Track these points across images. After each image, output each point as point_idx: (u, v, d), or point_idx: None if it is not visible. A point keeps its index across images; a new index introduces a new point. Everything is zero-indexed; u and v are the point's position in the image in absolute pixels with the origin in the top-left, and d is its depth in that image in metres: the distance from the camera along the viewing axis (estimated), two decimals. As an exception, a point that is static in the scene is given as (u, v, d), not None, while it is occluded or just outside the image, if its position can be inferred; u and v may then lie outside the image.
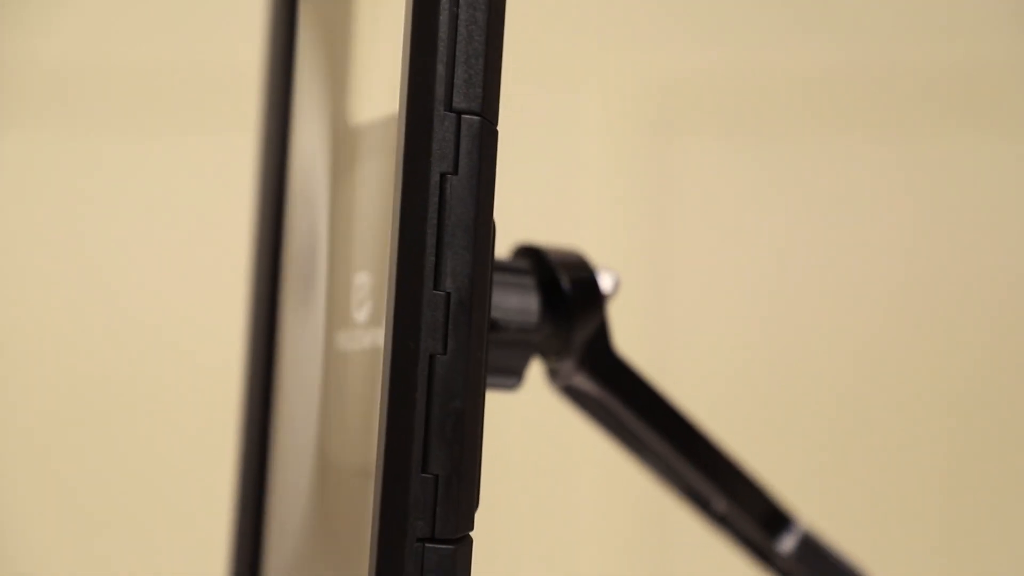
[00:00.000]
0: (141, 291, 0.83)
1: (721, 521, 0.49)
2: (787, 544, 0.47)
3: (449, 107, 0.29)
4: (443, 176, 0.29)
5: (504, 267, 0.39)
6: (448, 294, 0.29)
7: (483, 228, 0.29)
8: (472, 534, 0.30)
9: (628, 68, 0.83)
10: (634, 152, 0.83)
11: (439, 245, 0.29)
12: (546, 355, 0.42)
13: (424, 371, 0.28)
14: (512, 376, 0.39)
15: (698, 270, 0.82)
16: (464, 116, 0.29)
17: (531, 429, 0.80)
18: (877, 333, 0.82)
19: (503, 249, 0.42)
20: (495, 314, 0.37)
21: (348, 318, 0.37)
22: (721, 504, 0.48)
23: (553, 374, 0.43)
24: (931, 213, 0.82)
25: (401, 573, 0.28)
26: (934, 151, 0.82)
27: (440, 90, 0.29)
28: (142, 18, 0.84)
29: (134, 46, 0.83)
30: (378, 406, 0.29)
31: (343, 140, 0.41)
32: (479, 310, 0.29)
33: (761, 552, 0.48)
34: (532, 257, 0.41)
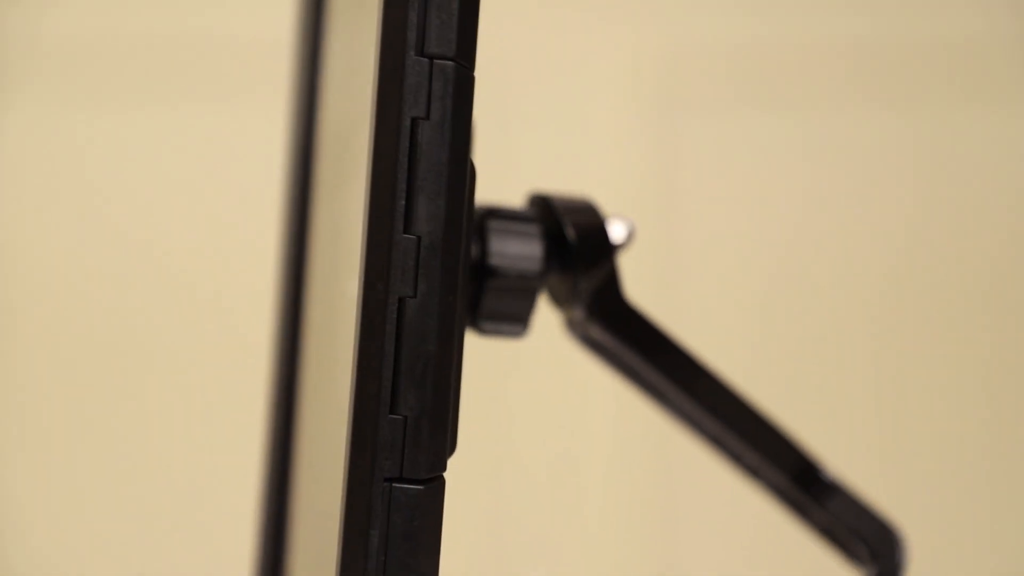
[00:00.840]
0: (161, 268, 0.83)
1: (755, 473, 0.49)
2: (815, 492, 0.47)
3: (421, 52, 0.29)
4: (414, 121, 0.29)
5: (507, 215, 0.39)
6: (418, 238, 0.29)
7: (457, 172, 0.29)
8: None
9: (640, 37, 0.83)
10: (645, 119, 0.82)
11: (410, 189, 0.29)
12: (560, 304, 0.42)
13: (393, 314, 0.29)
14: (517, 323, 0.39)
15: (707, 231, 0.83)
16: (436, 61, 0.29)
17: (543, 377, 0.81)
18: (883, 294, 0.82)
19: (518, 203, 0.43)
20: (495, 261, 0.38)
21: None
22: (752, 456, 0.48)
23: (571, 324, 0.43)
24: (939, 184, 0.82)
25: (369, 512, 0.28)
26: (940, 121, 0.82)
27: (412, 36, 0.29)
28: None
29: (150, 14, 0.83)
30: (352, 349, 0.29)
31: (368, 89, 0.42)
32: (451, 254, 0.29)
33: (791, 501, 0.48)
34: (541, 205, 0.41)
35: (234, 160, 0.82)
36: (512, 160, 0.78)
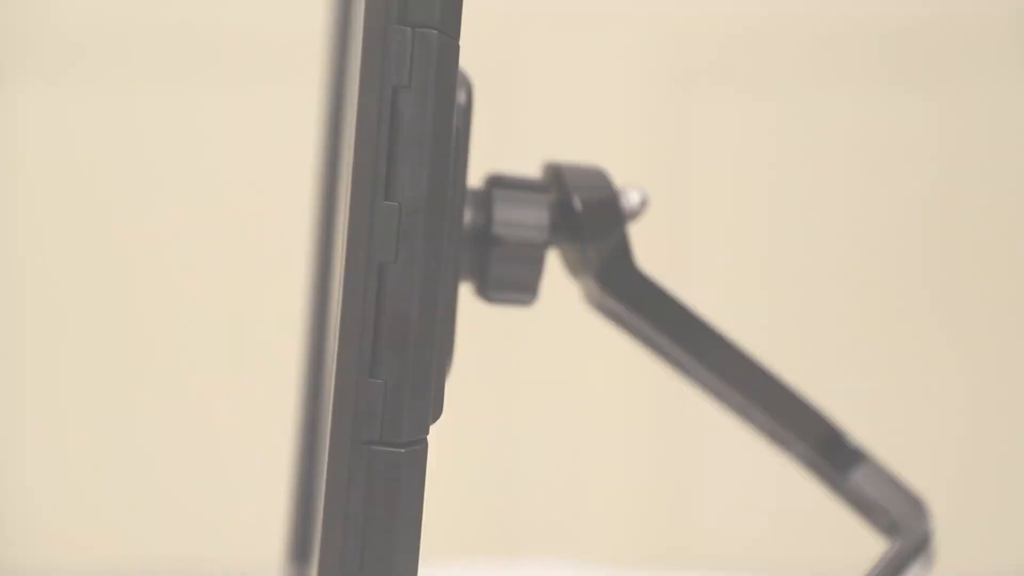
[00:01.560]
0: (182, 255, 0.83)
1: (778, 441, 0.49)
2: (839, 461, 0.46)
3: (403, 21, 0.29)
4: (395, 89, 0.29)
5: (514, 183, 0.39)
6: (400, 204, 0.29)
7: (440, 140, 0.30)
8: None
9: (654, 16, 0.82)
10: (659, 98, 0.82)
11: (391, 157, 0.29)
12: (573, 273, 0.42)
13: (374, 280, 0.29)
14: (524, 291, 0.39)
15: (720, 209, 0.83)
16: (419, 30, 0.29)
17: (551, 345, 0.81)
18: (892, 274, 0.82)
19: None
20: (499, 229, 0.38)
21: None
22: (774, 424, 0.48)
23: (586, 294, 0.43)
24: (947, 166, 0.81)
25: (349, 474, 0.29)
26: (954, 104, 0.81)
27: (394, 4, 0.29)
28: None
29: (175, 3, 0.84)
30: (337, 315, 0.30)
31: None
32: (435, 221, 0.29)
33: (815, 468, 0.48)
34: (552, 174, 0.41)
35: (265, 150, 0.83)
36: (526, 139, 0.78)
